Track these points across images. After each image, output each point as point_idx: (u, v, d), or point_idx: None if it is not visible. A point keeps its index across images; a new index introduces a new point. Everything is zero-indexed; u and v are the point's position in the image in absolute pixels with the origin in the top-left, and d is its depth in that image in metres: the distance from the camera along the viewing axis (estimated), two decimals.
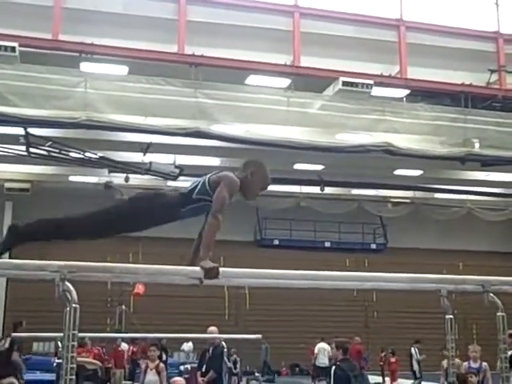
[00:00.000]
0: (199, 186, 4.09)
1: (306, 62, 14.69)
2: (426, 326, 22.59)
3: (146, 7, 14.14)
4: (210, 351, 9.65)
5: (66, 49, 13.43)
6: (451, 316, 3.88)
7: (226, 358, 10.45)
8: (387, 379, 19.26)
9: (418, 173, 20.29)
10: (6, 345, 10.96)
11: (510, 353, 6.23)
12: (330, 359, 17.05)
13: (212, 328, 9.83)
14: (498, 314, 3.84)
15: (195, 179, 4.19)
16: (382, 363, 19.74)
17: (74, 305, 3.06)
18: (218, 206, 3.95)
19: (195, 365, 12.36)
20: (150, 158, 16.49)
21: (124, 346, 17.82)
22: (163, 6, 14.31)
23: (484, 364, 9.93)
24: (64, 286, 3.11)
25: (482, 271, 14.77)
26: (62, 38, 13.24)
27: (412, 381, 17.92)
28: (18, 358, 12.53)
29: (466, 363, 10.06)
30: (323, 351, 18.90)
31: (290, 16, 14.86)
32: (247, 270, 3.91)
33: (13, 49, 12.40)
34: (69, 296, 3.09)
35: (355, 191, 23.57)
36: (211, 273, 3.67)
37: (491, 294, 3.88)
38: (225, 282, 4.33)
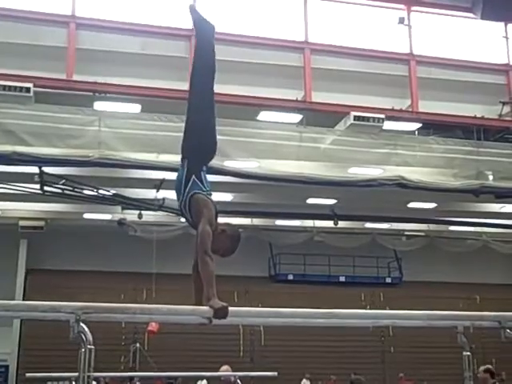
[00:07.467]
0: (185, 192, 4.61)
1: (318, 97, 14.78)
2: (444, 360, 22.22)
3: (158, 46, 14.34)
4: None
5: (80, 88, 13.61)
6: (468, 353, 3.84)
7: None
8: None
9: (431, 206, 20.20)
10: None
11: None
12: None
13: (224, 367, 9.73)
14: None
15: None
16: None
17: (89, 346, 3.04)
18: (205, 244, 4.01)
19: None
20: (163, 194, 16.53)
21: None
22: (174, 44, 14.50)
23: None
24: (79, 327, 3.09)
25: (501, 304, 14.57)
26: (75, 77, 13.43)
27: None
28: None
29: None
30: None
31: (301, 52, 15.00)
32: (260, 309, 3.90)
33: (27, 89, 12.58)
34: (84, 337, 3.07)
35: (369, 225, 23.47)
36: (220, 312, 3.67)
37: (508, 330, 3.84)
38: (237, 321, 4.30)
